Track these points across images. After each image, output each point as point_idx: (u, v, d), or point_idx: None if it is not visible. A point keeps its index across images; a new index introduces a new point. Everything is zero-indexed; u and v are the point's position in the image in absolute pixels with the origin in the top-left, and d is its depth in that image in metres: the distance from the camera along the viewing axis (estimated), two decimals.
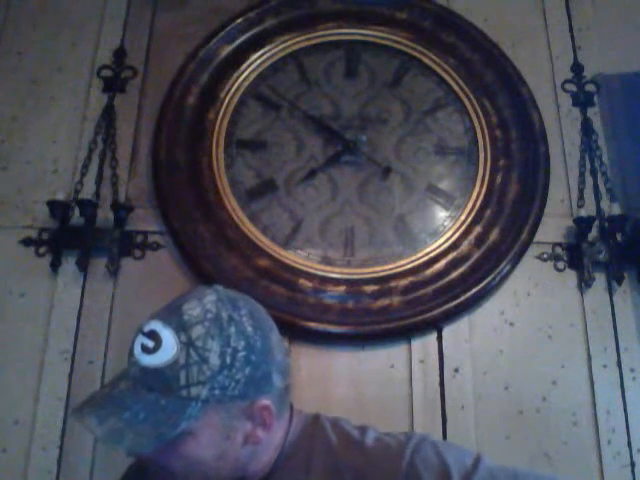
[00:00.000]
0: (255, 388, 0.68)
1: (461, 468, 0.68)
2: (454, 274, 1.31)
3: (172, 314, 0.68)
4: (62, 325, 1.27)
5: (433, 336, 1.30)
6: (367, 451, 0.73)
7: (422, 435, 0.75)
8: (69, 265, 1.31)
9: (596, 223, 1.37)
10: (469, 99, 1.48)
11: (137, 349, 0.68)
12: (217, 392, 0.65)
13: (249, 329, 0.69)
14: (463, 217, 1.37)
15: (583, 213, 1.36)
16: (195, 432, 0.65)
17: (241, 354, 0.66)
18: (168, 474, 0.68)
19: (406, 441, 0.73)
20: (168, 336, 0.65)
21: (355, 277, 1.31)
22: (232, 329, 0.67)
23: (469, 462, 0.70)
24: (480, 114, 1.46)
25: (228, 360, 0.65)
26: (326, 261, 1.33)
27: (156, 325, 0.67)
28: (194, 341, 0.65)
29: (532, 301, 1.34)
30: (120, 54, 1.52)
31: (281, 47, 1.50)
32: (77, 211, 1.32)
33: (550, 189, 1.38)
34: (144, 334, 0.67)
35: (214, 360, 0.65)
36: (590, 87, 1.54)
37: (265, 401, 0.69)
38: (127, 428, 0.63)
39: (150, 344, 0.66)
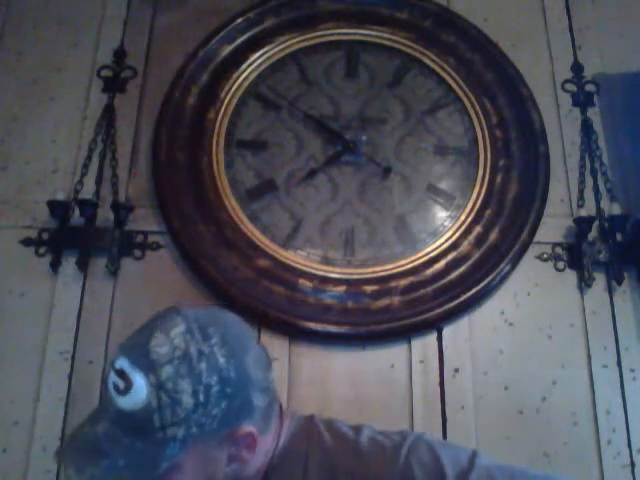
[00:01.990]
0: (235, 417, 0.67)
1: (456, 467, 0.68)
2: (454, 274, 1.31)
3: (139, 352, 0.66)
4: (62, 325, 1.27)
5: (433, 336, 1.30)
6: (362, 452, 0.73)
7: (417, 434, 0.75)
8: (69, 265, 1.31)
9: (596, 223, 1.37)
10: (469, 99, 1.48)
11: (110, 387, 0.66)
12: (194, 430, 0.64)
13: (221, 361, 0.66)
14: (463, 217, 1.37)
15: (583, 213, 1.36)
16: (179, 464, 0.65)
17: (215, 389, 0.65)
18: None
19: (401, 441, 0.73)
20: (137, 378, 0.64)
21: (355, 277, 1.31)
22: (203, 365, 0.65)
23: (465, 461, 0.69)
24: (480, 114, 1.46)
25: (201, 398, 0.64)
26: (326, 261, 1.33)
27: (124, 364, 0.65)
28: (164, 383, 0.63)
29: (532, 301, 1.34)
30: (120, 54, 1.52)
31: (281, 47, 1.50)
32: (77, 211, 1.32)
33: (550, 189, 1.38)
34: (115, 371, 0.66)
35: (187, 400, 0.63)
36: (590, 87, 1.54)
37: (247, 427, 0.68)
38: (107, 477, 0.63)
39: (121, 385, 0.65)
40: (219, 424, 0.65)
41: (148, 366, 0.64)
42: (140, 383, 0.64)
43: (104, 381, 0.69)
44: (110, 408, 0.66)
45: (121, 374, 0.65)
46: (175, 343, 0.65)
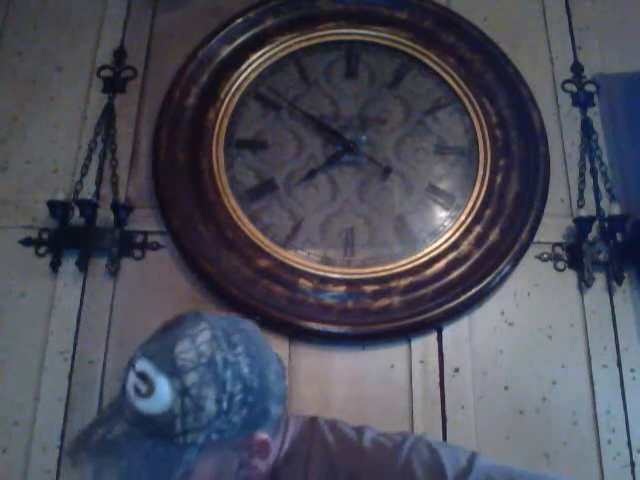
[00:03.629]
0: (252, 425, 0.67)
1: (456, 467, 0.69)
2: (454, 274, 1.31)
3: (164, 356, 0.65)
4: (62, 325, 1.27)
5: (433, 336, 1.30)
6: (364, 453, 0.73)
7: (418, 435, 0.76)
8: (69, 265, 1.31)
9: (596, 223, 1.37)
10: (469, 99, 1.48)
11: (130, 390, 0.66)
12: (214, 436, 0.64)
13: (245, 370, 0.67)
14: (463, 217, 1.37)
15: (583, 213, 1.36)
16: (192, 469, 0.64)
17: (238, 397, 0.65)
18: None
19: (402, 442, 0.73)
20: (161, 383, 0.63)
21: (355, 277, 1.31)
22: (228, 373, 0.65)
23: (464, 461, 0.70)
24: (480, 114, 1.46)
25: (225, 406, 0.64)
26: (326, 261, 1.33)
27: (147, 367, 0.65)
28: (189, 389, 0.63)
29: (532, 301, 1.34)
30: (120, 54, 1.52)
31: (281, 47, 1.50)
32: (77, 211, 1.32)
33: (550, 189, 1.38)
34: (136, 373, 0.66)
35: (210, 407, 0.63)
36: (590, 87, 1.54)
37: (262, 435, 0.68)
38: (123, 478, 0.63)
39: (143, 388, 0.64)
40: (238, 432, 0.66)
41: (173, 371, 0.64)
42: (164, 388, 0.63)
43: (122, 381, 0.68)
44: (127, 410, 0.66)
45: (143, 377, 0.65)
46: (201, 350, 0.65)
